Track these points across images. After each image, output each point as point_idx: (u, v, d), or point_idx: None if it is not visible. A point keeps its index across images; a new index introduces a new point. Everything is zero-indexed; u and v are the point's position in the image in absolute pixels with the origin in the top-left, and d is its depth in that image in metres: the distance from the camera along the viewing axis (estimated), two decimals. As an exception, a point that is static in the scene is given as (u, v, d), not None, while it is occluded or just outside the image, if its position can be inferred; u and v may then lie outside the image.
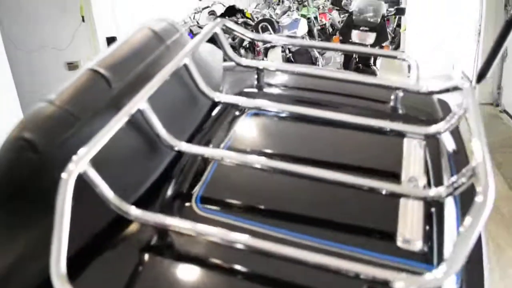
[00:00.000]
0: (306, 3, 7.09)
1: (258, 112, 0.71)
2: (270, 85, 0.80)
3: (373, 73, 3.74)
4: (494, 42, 0.89)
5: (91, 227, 0.51)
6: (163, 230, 0.49)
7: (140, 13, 4.94)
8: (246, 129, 0.71)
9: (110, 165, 0.54)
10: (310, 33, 6.13)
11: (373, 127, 0.63)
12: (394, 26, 6.95)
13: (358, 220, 0.54)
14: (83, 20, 3.92)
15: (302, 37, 4.87)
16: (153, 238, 0.51)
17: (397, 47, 6.63)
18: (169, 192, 0.59)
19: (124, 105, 0.53)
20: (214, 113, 0.73)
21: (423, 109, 0.77)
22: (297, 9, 6.72)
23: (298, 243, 0.50)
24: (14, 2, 3.77)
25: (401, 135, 0.63)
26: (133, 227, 0.52)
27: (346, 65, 3.97)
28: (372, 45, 3.72)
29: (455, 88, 0.64)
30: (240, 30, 0.81)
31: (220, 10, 6.32)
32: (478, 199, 0.41)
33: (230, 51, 0.76)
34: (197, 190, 0.58)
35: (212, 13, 6.60)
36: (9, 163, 0.50)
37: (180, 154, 0.60)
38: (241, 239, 0.45)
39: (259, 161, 0.54)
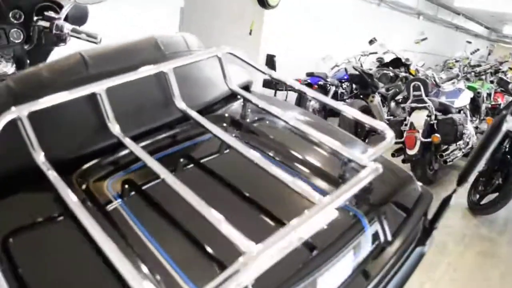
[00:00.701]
0: (483, 77, 6.52)
1: (216, 138, 0.69)
2: (249, 117, 0.81)
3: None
4: (477, 146, 0.75)
5: (12, 166, 0.60)
6: (57, 193, 0.54)
7: (304, 42, 5.18)
8: (192, 148, 0.74)
9: (49, 125, 0.63)
10: (476, 109, 5.61)
11: (287, 182, 0.59)
12: None
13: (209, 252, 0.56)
14: (250, 34, 4.29)
15: (459, 110, 4.51)
16: (53, 198, 0.56)
17: None
18: (91, 167, 0.65)
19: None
20: (181, 126, 0.76)
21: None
22: (473, 81, 6.22)
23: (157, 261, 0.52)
24: (195, 8, 4.33)
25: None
26: (44, 185, 0.58)
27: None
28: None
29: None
30: (249, 62, 0.81)
31: (387, 59, 6.25)
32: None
33: (227, 76, 0.78)
34: (115, 176, 0.65)
35: (379, 60, 6.56)
36: None
37: (121, 144, 0.65)
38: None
39: (171, 180, 0.56)
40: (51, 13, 1.36)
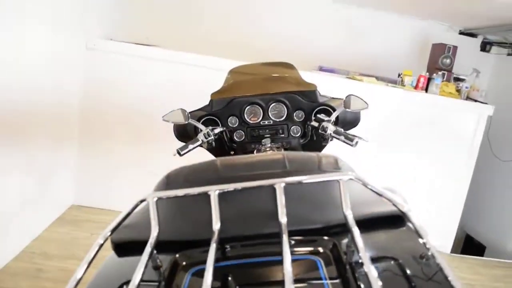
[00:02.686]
0: None
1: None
2: (351, 258, 0.69)
3: None
4: None
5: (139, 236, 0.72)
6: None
7: None
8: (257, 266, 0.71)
9: (172, 210, 0.76)
10: None
11: None
12: None
13: None
14: None
15: None
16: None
17: None
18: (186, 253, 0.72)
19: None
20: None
21: None
22: None
23: None
24: (504, 118, 3.84)
25: None
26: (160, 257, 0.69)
27: None
28: None
29: None
30: (378, 192, 0.67)
31: None
32: None
33: (345, 202, 0.68)
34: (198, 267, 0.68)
35: None
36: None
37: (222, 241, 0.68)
38: None
39: None
40: (322, 116, 1.56)
